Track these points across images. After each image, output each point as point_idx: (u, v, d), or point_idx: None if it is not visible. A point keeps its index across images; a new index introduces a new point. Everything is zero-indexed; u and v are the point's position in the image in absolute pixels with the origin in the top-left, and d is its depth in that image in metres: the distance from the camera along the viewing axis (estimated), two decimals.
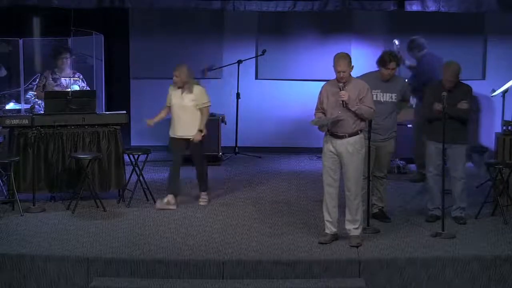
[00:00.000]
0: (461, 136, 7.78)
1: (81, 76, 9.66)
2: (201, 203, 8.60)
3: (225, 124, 11.17)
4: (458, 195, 7.89)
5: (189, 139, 8.45)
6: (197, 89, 8.51)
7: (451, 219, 7.86)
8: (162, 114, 8.68)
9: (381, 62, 7.76)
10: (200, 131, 8.44)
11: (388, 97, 7.73)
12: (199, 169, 8.64)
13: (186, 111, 8.45)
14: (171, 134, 8.59)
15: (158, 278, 6.68)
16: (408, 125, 10.54)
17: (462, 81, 7.85)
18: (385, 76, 7.73)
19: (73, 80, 9.57)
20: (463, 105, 7.67)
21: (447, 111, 7.46)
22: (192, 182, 8.98)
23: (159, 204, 8.40)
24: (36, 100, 9.72)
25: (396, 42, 9.97)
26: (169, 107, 8.57)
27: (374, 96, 7.46)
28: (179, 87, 8.50)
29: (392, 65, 7.72)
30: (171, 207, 8.37)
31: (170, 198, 8.41)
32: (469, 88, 7.83)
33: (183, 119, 8.45)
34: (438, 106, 7.54)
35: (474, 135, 11.33)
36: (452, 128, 7.60)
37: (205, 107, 8.50)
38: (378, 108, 7.40)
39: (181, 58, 11.53)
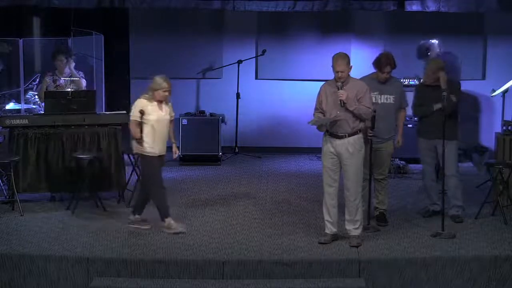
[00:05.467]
0: (449, 132, 7.72)
1: (81, 74, 9.65)
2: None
3: (225, 124, 11.17)
4: (452, 193, 7.89)
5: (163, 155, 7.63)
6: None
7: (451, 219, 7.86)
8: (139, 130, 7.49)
9: (377, 64, 7.76)
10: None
11: (385, 98, 7.72)
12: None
13: (165, 125, 7.56)
14: (151, 153, 7.47)
15: (158, 278, 6.68)
16: (409, 125, 10.53)
17: (452, 79, 7.97)
18: (381, 78, 7.74)
19: (72, 79, 9.56)
20: (452, 98, 7.70)
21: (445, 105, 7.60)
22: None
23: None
24: (37, 100, 9.73)
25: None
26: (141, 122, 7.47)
27: (372, 98, 7.45)
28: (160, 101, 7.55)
29: (387, 68, 7.72)
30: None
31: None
32: (457, 85, 7.94)
33: (164, 134, 7.53)
34: (437, 106, 7.64)
35: (474, 135, 11.33)
36: (440, 125, 7.58)
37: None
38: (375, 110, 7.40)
39: (181, 58, 11.58)
